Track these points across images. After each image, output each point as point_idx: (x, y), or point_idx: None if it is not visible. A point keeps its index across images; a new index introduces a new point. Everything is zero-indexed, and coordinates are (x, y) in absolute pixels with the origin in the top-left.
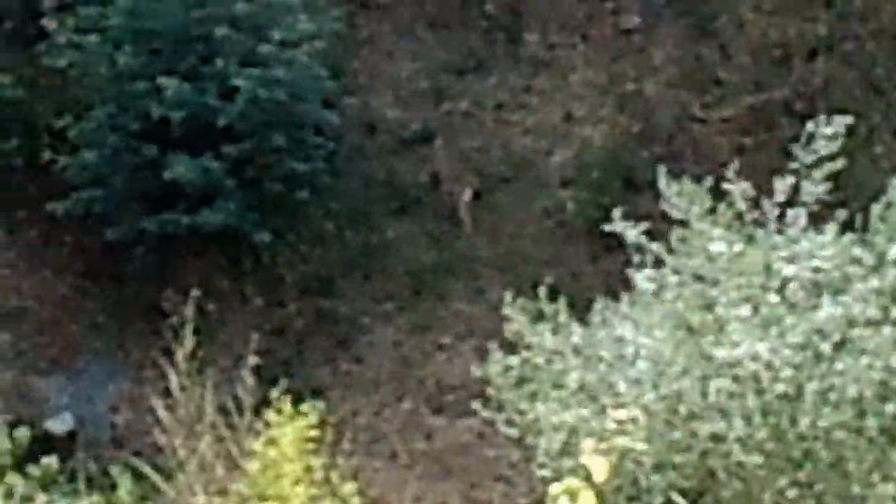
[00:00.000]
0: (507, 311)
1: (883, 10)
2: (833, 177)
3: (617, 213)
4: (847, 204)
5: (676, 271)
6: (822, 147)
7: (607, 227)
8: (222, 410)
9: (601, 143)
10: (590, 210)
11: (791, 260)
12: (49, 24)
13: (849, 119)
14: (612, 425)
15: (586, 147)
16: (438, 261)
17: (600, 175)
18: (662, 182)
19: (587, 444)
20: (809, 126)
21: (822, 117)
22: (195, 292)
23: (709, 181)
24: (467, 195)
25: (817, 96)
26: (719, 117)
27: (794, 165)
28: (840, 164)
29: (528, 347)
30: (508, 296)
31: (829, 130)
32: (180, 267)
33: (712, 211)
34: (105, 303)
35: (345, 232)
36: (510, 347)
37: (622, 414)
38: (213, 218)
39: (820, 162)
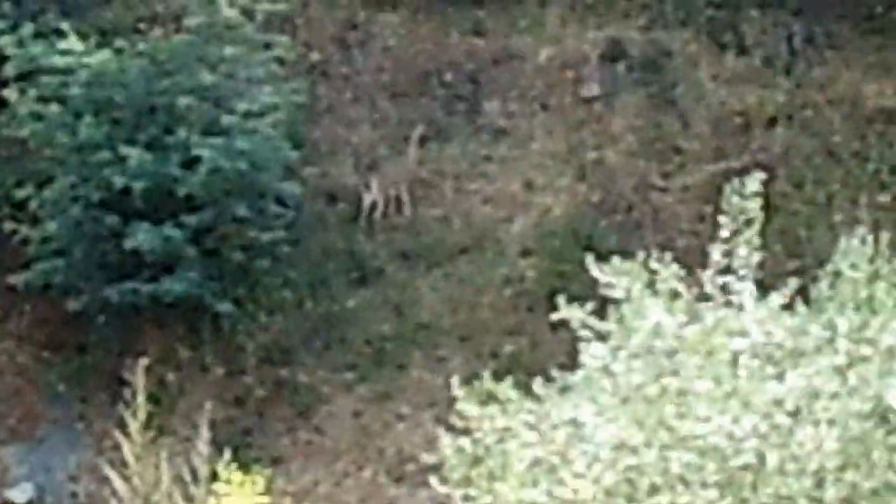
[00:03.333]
0: (456, 393)
1: (840, 78)
2: (791, 245)
3: (561, 299)
4: (805, 271)
5: (619, 347)
6: (747, 208)
7: (554, 316)
8: (180, 480)
9: (561, 211)
10: (550, 279)
11: (738, 333)
12: (9, 93)
13: (763, 175)
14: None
15: (546, 216)
16: (398, 330)
17: (560, 244)
18: (593, 267)
19: None
20: (727, 190)
21: (736, 180)
22: (145, 361)
23: (639, 257)
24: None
25: (777, 164)
26: (680, 186)
27: (724, 234)
28: (757, 226)
29: (481, 430)
30: (455, 381)
31: (748, 189)
32: (141, 336)
33: (650, 286)
34: (66, 372)
35: (305, 301)
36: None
37: (587, 491)
38: (175, 287)
39: (748, 224)
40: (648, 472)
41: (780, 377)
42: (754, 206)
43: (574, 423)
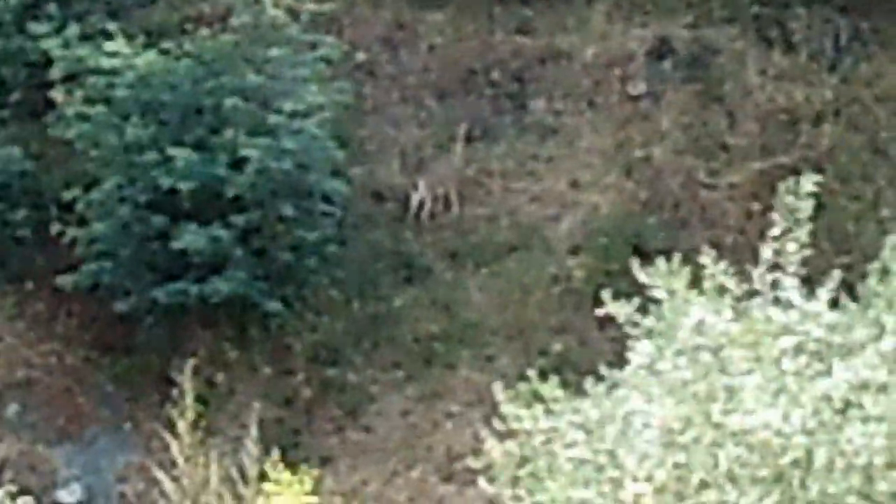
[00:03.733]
0: (500, 396)
1: (887, 74)
2: (838, 241)
3: (607, 294)
4: (853, 268)
5: (664, 345)
6: (799, 208)
7: (599, 311)
8: (229, 480)
9: (608, 209)
10: (597, 277)
11: (785, 330)
12: (56, 95)
13: (818, 176)
14: (628, 499)
15: (594, 214)
16: (446, 329)
17: (608, 242)
18: (638, 270)
19: None
20: (781, 189)
21: (791, 179)
22: (193, 362)
23: (682, 255)
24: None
25: (824, 161)
26: (727, 183)
27: (775, 232)
28: (809, 225)
29: (527, 432)
30: (499, 385)
31: (802, 189)
32: (189, 337)
33: (697, 283)
34: (114, 373)
35: (353, 301)
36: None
37: (639, 487)
38: (222, 287)
39: (798, 223)
40: (697, 469)
41: (827, 373)
42: (807, 206)
43: (623, 419)
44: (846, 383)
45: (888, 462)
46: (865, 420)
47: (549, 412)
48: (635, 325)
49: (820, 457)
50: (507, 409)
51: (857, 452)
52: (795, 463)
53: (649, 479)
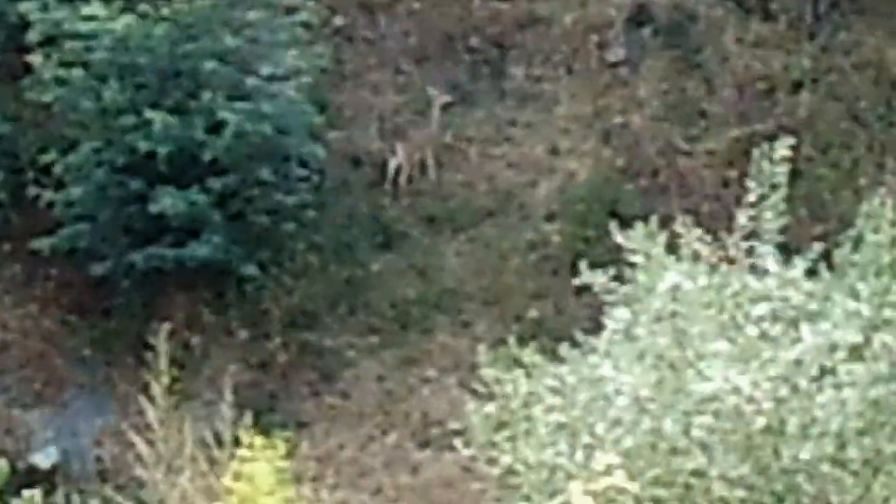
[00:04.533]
0: (481, 358)
1: (866, 43)
2: (816, 209)
3: (583, 264)
4: (830, 236)
5: (641, 311)
6: (774, 173)
7: (576, 281)
8: (204, 444)
9: (586, 176)
10: (575, 243)
11: (761, 297)
12: (34, 58)
13: (792, 140)
14: (599, 468)
15: (571, 180)
16: (423, 294)
17: (585, 208)
18: (617, 233)
19: (575, 485)
20: (756, 155)
21: (765, 144)
22: (169, 326)
23: (660, 220)
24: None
25: (802, 128)
26: (704, 150)
27: (751, 199)
28: (784, 191)
29: (506, 396)
30: (481, 349)
31: (776, 154)
32: (166, 300)
33: (672, 250)
34: (90, 337)
35: (330, 265)
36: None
37: (609, 458)
38: (199, 251)
39: (774, 188)
40: (668, 436)
41: (801, 340)
42: (782, 171)
43: (594, 384)
44: (816, 348)
45: (861, 428)
46: (838, 386)
47: (528, 376)
48: (611, 292)
49: (792, 423)
50: (486, 372)
51: (828, 419)
52: (767, 429)
53: (617, 442)
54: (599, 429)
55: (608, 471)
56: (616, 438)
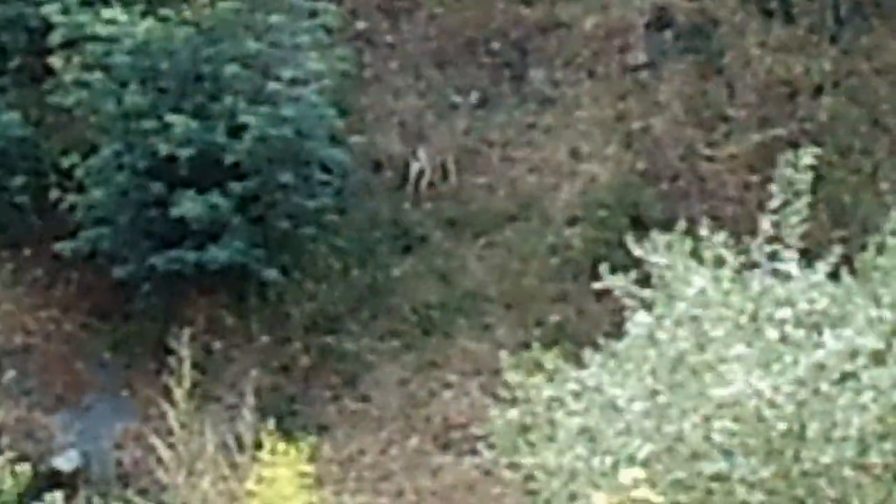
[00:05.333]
0: (503, 364)
1: (887, 47)
2: (837, 213)
3: (604, 268)
4: (851, 240)
5: (663, 315)
6: (798, 180)
7: (596, 285)
8: (225, 448)
9: (607, 180)
10: (596, 247)
11: (784, 301)
12: (55, 62)
13: (817, 149)
14: (625, 481)
15: (592, 184)
16: (445, 299)
17: (606, 212)
18: (634, 245)
19: (598, 497)
20: (781, 162)
21: (790, 152)
22: (190, 330)
23: (683, 226)
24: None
25: (823, 132)
26: (726, 154)
27: (774, 204)
28: (807, 197)
29: (528, 401)
30: (503, 354)
31: (801, 162)
32: (187, 304)
33: (696, 254)
34: (112, 340)
35: (351, 269)
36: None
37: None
38: (220, 255)
39: (797, 195)
40: (688, 441)
41: (823, 345)
42: (806, 178)
43: (604, 394)
44: (837, 352)
45: (882, 432)
46: (859, 391)
47: (550, 381)
48: (632, 296)
49: (813, 427)
50: (510, 376)
51: (849, 423)
52: (788, 433)
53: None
54: (610, 436)
55: (636, 484)
56: (624, 445)
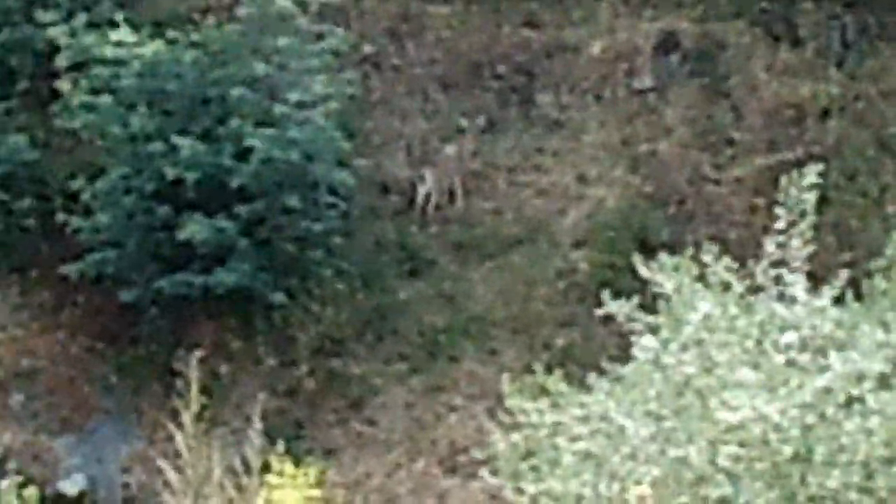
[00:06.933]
0: (506, 389)
1: (894, 70)
2: (843, 236)
3: (606, 295)
4: (857, 263)
5: (669, 340)
6: (803, 200)
7: (599, 311)
8: (232, 471)
9: (614, 203)
10: (603, 271)
11: (789, 326)
12: (62, 85)
13: (820, 167)
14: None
15: (599, 208)
16: (451, 322)
17: (613, 235)
18: (641, 267)
19: None
20: (784, 182)
21: (794, 171)
22: (198, 353)
23: (689, 250)
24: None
25: (829, 156)
26: (732, 177)
27: (779, 226)
28: (812, 218)
29: (532, 425)
30: (506, 377)
31: (805, 181)
32: (193, 327)
33: (702, 278)
34: (118, 364)
35: (357, 293)
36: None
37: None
38: (227, 278)
39: (803, 216)
40: (694, 465)
41: (829, 369)
42: (810, 198)
43: (610, 420)
44: (843, 377)
45: (888, 457)
46: (865, 415)
47: (554, 406)
48: (636, 321)
49: (819, 451)
50: (512, 401)
51: (856, 447)
52: (794, 457)
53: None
54: (616, 462)
55: (642, 502)
56: (630, 470)
